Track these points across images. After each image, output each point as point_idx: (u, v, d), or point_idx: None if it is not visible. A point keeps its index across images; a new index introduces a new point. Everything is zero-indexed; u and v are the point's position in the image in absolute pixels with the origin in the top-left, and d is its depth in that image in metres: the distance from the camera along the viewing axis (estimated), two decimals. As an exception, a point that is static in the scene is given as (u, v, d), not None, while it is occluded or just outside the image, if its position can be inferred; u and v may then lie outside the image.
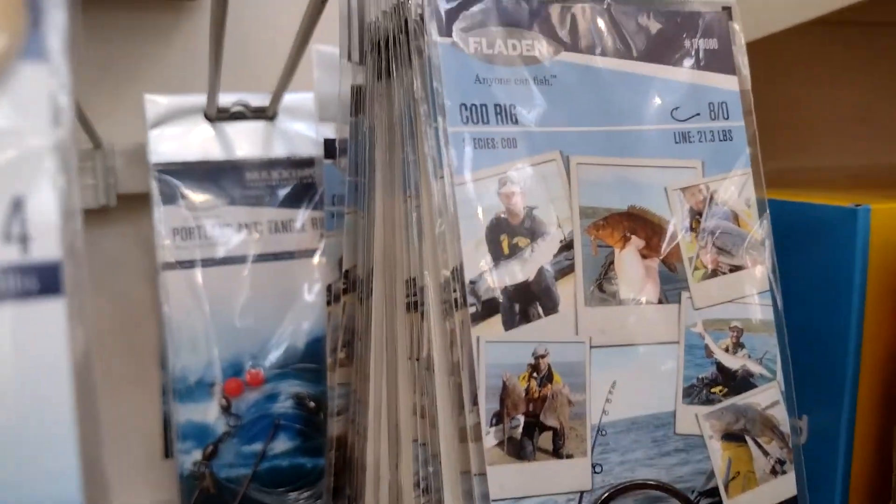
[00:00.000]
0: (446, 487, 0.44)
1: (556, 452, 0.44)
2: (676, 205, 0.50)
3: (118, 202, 0.81)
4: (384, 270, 0.51)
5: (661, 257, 0.49)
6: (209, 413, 0.75)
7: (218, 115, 0.73)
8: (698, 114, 0.51)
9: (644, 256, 0.48)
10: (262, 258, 0.74)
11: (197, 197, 0.73)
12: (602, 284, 0.47)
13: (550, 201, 0.46)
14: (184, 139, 0.73)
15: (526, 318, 0.45)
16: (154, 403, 0.81)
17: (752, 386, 0.50)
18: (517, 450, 0.44)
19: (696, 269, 0.49)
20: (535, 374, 0.45)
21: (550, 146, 0.47)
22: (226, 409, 0.76)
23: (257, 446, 0.76)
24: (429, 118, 0.44)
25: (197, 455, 0.74)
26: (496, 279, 0.44)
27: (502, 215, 0.45)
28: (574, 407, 0.45)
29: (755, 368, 0.50)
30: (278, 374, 0.76)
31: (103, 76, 0.83)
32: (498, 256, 0.45)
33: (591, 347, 0.46)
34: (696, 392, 0.48)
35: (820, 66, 0.95)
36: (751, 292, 0.50)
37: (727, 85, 0.52)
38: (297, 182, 0.73)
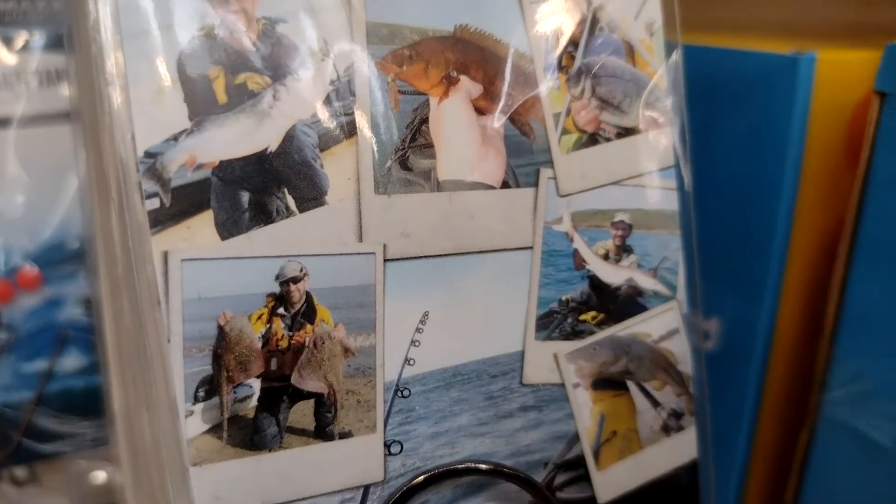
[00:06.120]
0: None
1: (322, 431, 0.27)
2: (537, 28, 0.31)
3: None
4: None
5: (510, 113, 0.30)
6: (-29, 324, 0.57)
7: None
8: None
9: (481, 111, 0.30)
10: (31, 122, 0.55)
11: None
12: (407, 158, 0.28)
13: (310, 11, 0.27)
14: None
15: (263, 215, 0.26)
16: None
17: (641, 308, 0.33)
18: (248, 435, 0.26)
19: (565, 132, 0.31)
20: (281, 311, 0.26)
21: (312, -89, 0.27)
22: (-7, 320, 0.57)
23: (41, 364, 0.59)
24: None
25: (-39, 377, 0.56)
26: (202, 149, 0.25)
27: (216, 33, 0.25)
28: (355, 358, 0.28)
29: (647, 283, 0.33)
30: (62, 275, 0.58)
31: None
32: (206, 107, 0.25)
33: (385, 261, 0.28)
34: (557, 322, 0.32)
35: None
36: (648, 169, 0.33)
37: None
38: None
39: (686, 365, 0.34)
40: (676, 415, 0.34)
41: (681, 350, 0.34)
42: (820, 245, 0.37)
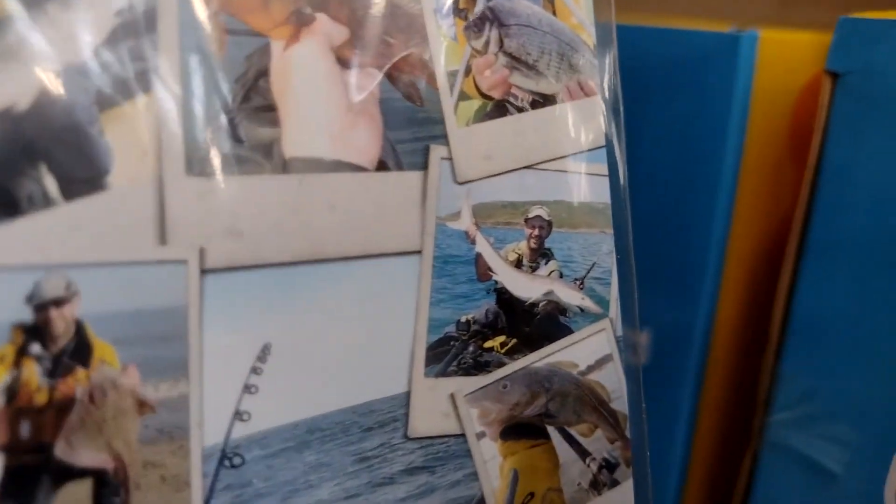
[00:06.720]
0: None
1: (105, 524, 0.19)
2: (423, -47, 0.23)
3: None
4: None
5: (388, 68, 0.22)
6: None
7: None
8: None
9: (346, 64, 0.22)
10: None
11: None
12: (237, 125, 0.20)
13: None
14: None
15: (5, 205, 0.17)
16: None
17: (565, 330, 0.26)
18: (-23, 541, 0.17)
19: (463, 97, 0.23)
20: (36, 349, 0.18)
21: None
22: None
23: None
24: None
25: None
26: None
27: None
28: (155, 415, 0.19)
29: (571, 297, 0.26)
30: None
31: None
32: None
33: (203, 272, 0.19)
34: (455, 351, 0.24)
35: None
36: (572, 149, 0.25)
37: None
38: None
39: (621, 402, 0.27)
40: (609, 466, 0.27)
41: (614, 383, 0.27)
42: (763, 245, 0.33)
